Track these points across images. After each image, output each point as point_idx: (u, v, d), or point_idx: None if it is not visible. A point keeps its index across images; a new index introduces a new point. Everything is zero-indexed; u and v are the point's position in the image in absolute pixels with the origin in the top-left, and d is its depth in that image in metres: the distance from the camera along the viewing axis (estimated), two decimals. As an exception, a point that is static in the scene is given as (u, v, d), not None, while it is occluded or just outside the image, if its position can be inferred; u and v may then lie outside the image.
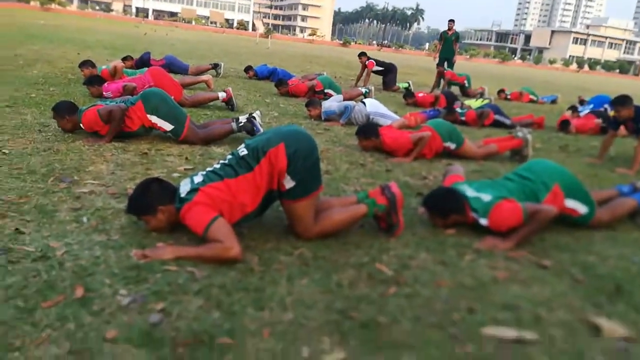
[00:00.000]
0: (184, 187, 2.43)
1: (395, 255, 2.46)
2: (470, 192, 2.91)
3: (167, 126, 4.21)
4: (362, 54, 11.23)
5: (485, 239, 2.71)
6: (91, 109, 4.10)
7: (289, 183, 2.43)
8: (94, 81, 6.02)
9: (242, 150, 2.48)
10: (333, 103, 6.37)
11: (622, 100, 4.97)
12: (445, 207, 2.84)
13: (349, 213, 2.63)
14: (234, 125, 4.49)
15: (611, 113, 5.65)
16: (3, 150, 3.57)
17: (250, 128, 4.48)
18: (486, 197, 2.84)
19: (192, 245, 2.32)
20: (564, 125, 7.30)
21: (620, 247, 2.83)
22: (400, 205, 2.72)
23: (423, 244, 2.64)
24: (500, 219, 2.71)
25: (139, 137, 4.29)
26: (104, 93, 5.85)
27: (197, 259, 2.19)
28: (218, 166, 2.50)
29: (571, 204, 2.95)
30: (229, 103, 6.19)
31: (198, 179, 2.45)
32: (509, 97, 11.63)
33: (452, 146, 4.67)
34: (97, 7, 79.22)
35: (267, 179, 2.42)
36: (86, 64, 7.12)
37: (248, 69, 10.42)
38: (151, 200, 2.39)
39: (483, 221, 2.77)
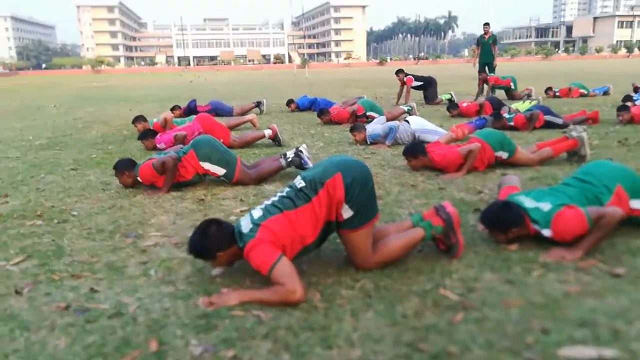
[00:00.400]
0: (245, 223, 2.48)
1: (459, 278, 2.42)
2: (528, 203, 2.82)
3: (220, 171, 4.36)
4: (399, 71, 11.24)
5: (552, 251, 2.62)
6: (146, 162, 4.31)
7: (347, 213, 2.45)
8: (147, 135, 6.33)
9: (300, 183, 2.53)
10: (377, 125, 6.39)
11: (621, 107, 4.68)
12: (504, 222, 2.76)
13: (406, 239, 2.62)
14: (282, 161, 4.59)
15: None
16: (72, 213, 3.81)
17: (298, 162, 4.56)
18: (546, 206, 2.74)
19: (256, 288, 2.37)
20: (623, 109, 6.98)
21: (700, 244, 2.66)
22: (457, 224, 2.68)
23: (487, 263, 2.58)
24: (564, 228, 2.61)
25: (195, 184, 4.46)
26: (157, 145, 6.14)
27: (262, 303, 2.24)
28: (276, 199, 2.55)
29: (638, 204, 2.81)
30: (275, 139, 6.34)
31: (257, 213, 2.50)
32: (557, 94, 11.26)
33: (505, 155, 4.56)
34: (142, 62, 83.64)
35: (325, 210, 2.46)
36: (138, 119, 7.51)
37: (289, 102, 10.64)
38: (210, 245, 2.44)
39: (546, 232, 2.68)
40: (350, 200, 2.44)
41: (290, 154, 4.62)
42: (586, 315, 2.02)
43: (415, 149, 4.66)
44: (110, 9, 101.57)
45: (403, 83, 11.03)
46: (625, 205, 2.77)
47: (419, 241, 2.66)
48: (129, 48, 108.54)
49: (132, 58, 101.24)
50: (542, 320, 1.99)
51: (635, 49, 73.97)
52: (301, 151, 4.61)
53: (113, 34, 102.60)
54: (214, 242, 2.43)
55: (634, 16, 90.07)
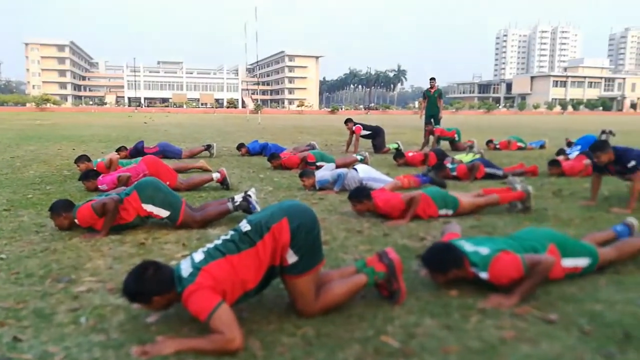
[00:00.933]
0: (185, 267, 2.40)
1: (400, 325, 2.42)
2: (468, 247, 2.91)
3: (164, 213, 4.25)
4: (348, 121, 11.53)
5: (490, 298, 2.68)
6: (85, 204, 4.15)
7: (291, 258, 2.43)
8: (89, 176, 6.12)
9: (245, 226, 2.49)
10: (326, 172, 6.47)
11: (600, 146, 5.06)
12: (445, 263, 2.81)
13: (349, 285, 2.62)
14: (229, 205, 4.54)
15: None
16: (1, 256, 3.58)
17: (246, 207, 4.52)
18: (484, 250, 2.83)
19: (193, 336, 2.28)
20: (554, 163, 7.42)
21: (626, 291, 2.80)
22: (399, 270, 2.71)
23: (427, 309, 2.60)
24: (500, 272, 2.69)
25: (136, 227, 4.31)
26: (99, 186, 5.93)
27: (199, 352, 2.15)
28: (219, 242, 2.49)
29: (570, 262, 2.96)
30: (223, 183, 6.28)
31: (199, 257, 2.43)
32: (497, 146, 11.83)
33: (450, 212, 4.71)
34: (91, 102, 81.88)
35: (270, 254, 2.42)
36: (81, 158, 7.27)
37: (240, 146, 10.64)
38: (146, 289, 2.33)
39: (483, 275, 2.75)
40: (295, 245, 2.42)
41: (238, 197, 4.58)
42: (521, 361, 2.06)
43: (360, 194, 4.72)
44: (61, 47, 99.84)
45: (352, 132, 11.30)
46: (557, 264, 2.88)
47: (362, 287, 2.66)
48: (77, 87, 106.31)
49: (80, 97, 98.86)
50: (479, 367, 2.02)
51: (569, 107, 79.52)
52: (249, 195, 4.58)
53: (62, 73, 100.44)
54: (150, 285, 2.33)
55: (567, 77, 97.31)
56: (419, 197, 4.56)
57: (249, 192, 4.63)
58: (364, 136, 11.39)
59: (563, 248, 2.96)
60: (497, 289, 2.72)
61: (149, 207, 4.21)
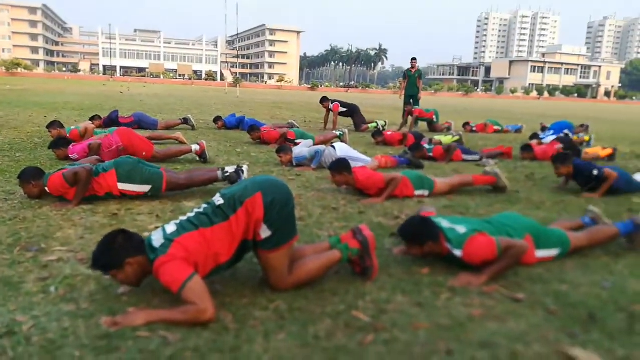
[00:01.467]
0: (157, 237, 2.37)
1: (372, 300, 2.46)
2: (445, 224, 2.95)
3: (145, 188, 4.22)
4: (323, 99, 11.45)
5: (459, 276, 2.73)
6: (57, 172, 4.05)
7: (265, 232, 2.42)
8: (59, 144, 5.95)
9: (218, 200, 2.47)
10: (303, 149, 6.44)
11: (562, 158, 5.18)
12: (421, 234, 2.85)
13: (323, 260, 2.63)
14: (219, 173, 4.53)
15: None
16: (-34, 223, 3.48)
17: (235, 179, 4.50)
18: (461, 229, 2.88)
19: (164, 308, 2.27)
20: (526, 148, 7.56)
21: (591, 273, 2.89)
22: (373, 247, 2.74)
23: (399, 286, 2.64)
24: (474, 252, 2.74)
25: (109, 198, 4.24)
26: (69, 155, 5.79)
27: (170, 323, 2.15)
28: (192, 215, 2.47)
29: (543, 253, 3.03)
30: (202, 156, 6.20)
31: (171, 228, 2.41)
32: (474, 129, 11.95)
33: (426, 193, 4.75)
34: (64, 69, 79.42)
35: (243, 229, 2.41)
36: (54, 124, 7.06)
37: (217, 119, 10.51)
38: (118, 253, 2.30)
39: (457, 252, 2.80)
40: (269, 220, 2.42)
41: (229, 168, 4.55)
42: (488, 337, 2.12)
43: (341, 165, 4.70)
44: (32, 10, 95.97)
45: (328, 110, 11.24)
46: (531, 253, 2.96)
47: (336, 263, 2.68)
48: (50, 53, 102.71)
49: (53, 63, 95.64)
50: (448, 342, 2.07)
51: (545, 93, 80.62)
52: (242, 170, 4.56)
53: (33, 37, 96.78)
54: (121, 249, 2.31)
55: (545, 62, 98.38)
56: (399, 180, 4.59)
57: (243, 168, 4.60)
58: (341, 114, 11.35)
59: (538, 239, 3.03)
60: (467, 267, 2.77)
61: (126, 186, 4.16)
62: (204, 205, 2.52)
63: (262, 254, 2.50)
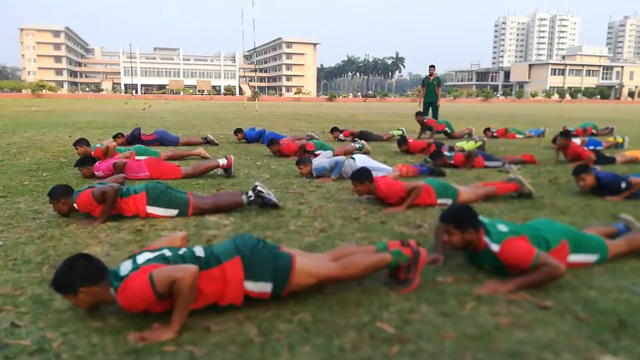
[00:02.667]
0: (125, 267, 2.38)
1: (396, 311, 2.44)
2: (486, 220, 2.96)
3: (172, 212, 4.29)
4: (333, 130, 11.29)
5: (485, 284, 2.70)
6: (86, 190, 4.15)
7: (265, 288, 2.43)
8: (85, 162, 6.08)
9: (199, 251, 2.49)
10: (323, 160, 6.46)
11: (584, 169, 5.13)
12: (467, 220, 2.85)
13: (374, 259, 2.65)
14: (244, 198, 4.53)
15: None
16: (-3, 242, 3.58)
17: (261, 202, 4.53)
18: (503, 228, 2.89)
19: (186, 323, 2.30)
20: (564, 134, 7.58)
21: (620, 278, 2.82)
22: (422, 263, 2.74)
23: (423, 296, 2.62)
24: (511, 252, 2.72)
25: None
26: (95, 173, 5.92)
27: (184, 312, 2.23)
28: (170, 254, 2.46)
29: (579, 258, 2.98)
30: (227, 170, 6.27)
31: (142, 259, 2.40)
32: (495, 134, 11.81)
33: (449, 202, 4.70)
34: (87, 89, 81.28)
35: (214, 289, 2.37)
36: (81, 142, 7.21)
37: (237, 131, 10.62)
38: (73, 279, 2.29)
39: (494, 247, 2.78)
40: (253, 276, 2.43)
41: (251, 193, 4.55)
42: (516, 346, 2.08)
43: (363, 174, 4.69)
44: (56, 33, 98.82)
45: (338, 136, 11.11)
46: (564, 257, 2.92)
47: (385, 265, 2.69)
48: (73, 73, 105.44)
49: (76, 84, 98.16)
50: (475, 352, 2.04)
51: (567, 95, 79.37)
52: (261, 191, 4.55)
53: (57, 59, 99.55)
54: (78, 276, 2.30)
55: (565, 64, 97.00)
56: (420, 189, 4.56)
57: (258, 187, 4.57)
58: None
59: (576, 244, 2.99)
60: (495, 273, 2.74)
61: (154, 210, 4.24)
62: (184, 249, 2.52)
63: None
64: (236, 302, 2.40)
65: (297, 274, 2.46)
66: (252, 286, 2.42)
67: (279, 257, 2.49)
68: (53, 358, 2.03)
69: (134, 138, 9.27)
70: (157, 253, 2.45)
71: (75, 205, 4.14)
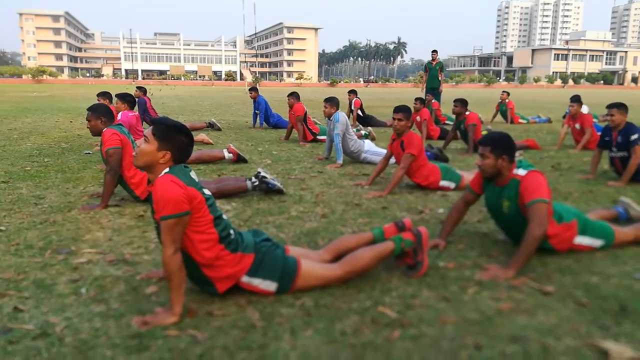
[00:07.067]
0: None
1: (398, 296, 2.44)
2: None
3: None
4: (351, 92, 11.41)
5: (487, 269, 2.70)
6: (114, 131, 4.11)
7: (270, 286, 2.43)
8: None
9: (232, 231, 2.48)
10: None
11: (620, 105, 5.05)
12: (506, 145, 2.91)
13: (377, 251, 2.63)
14: (248, 184, 4.52)
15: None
16: (0, 228, 3.58)
17: (265, 188, 4.52)
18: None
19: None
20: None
21: (621, 264, 2.82)
22: (426, 243, 2.73)
23: (425, 281, 2.62)
24: (533, 180, 2.82)
25: (135, 200, 4.31)
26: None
27: (180, 292, 2.23)
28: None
29: (586, 240, 2.99)
30: (239, 159, 6.25)
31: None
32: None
33: (452, 185, 4.72)
34: (88, 74, 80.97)
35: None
36: (105, 95, 7.23)
37: (252, 89, 10.70)
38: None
39: (522, 172, 2.87)
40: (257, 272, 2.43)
41: (255, 179, 4.54)
42: (517, 331, 2.09)
43: (405, 108, 4.74)
44: (56, 18, 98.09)
45: (350, 104, 11.22)
46: (571, 238, 2.95)
47: (389, 254, 2.67)
48: (73, 59, 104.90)
49: (76, 69, 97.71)
50: (476, 337, 2.04)
51: (570, 80, 78.88)
52: (265, 177, 4.54)
53: (57, 44, 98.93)
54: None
55: (569, 49, 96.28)
56: (401, 174, 4.61)
57: (261, 173, 4.57)
58: (359, 118, 11.26)
59: (584, 226, 3.00)
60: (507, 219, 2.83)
61: None
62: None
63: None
64: (220, 290, 2.41)
65: (302, 277, 2.47)
66: (258, 282, 2.44)
67: (286, 261, 2.50)
68: (56, 342, 2.04)
69: (140, 106, 9.22)
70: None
71: (104, 131, 4.13)
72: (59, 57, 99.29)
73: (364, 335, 2.08)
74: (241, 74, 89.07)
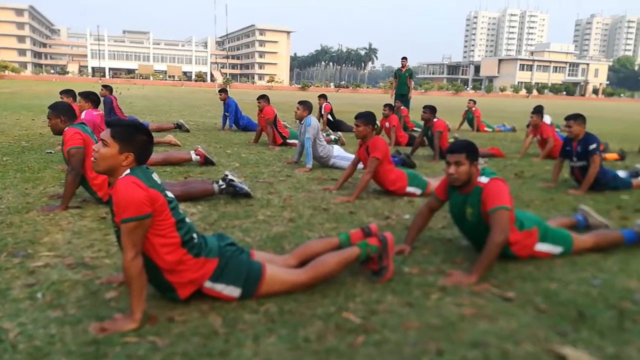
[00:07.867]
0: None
1: (362, 302, 2.45)
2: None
3: None
4: (321, 97, 11.43)
5: (450, 275, 2.74)
6: (76, 130, 3.97)
7: (235, 292, 2.39)
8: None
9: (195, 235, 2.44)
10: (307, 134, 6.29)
11: (577, 116, 5.18)
12: (476, 151, 2.98)
13: (343, 256, 2.62)
14: (215, 187, 4.45)
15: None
16: (-48, 229, 3.43)
17: (233, 191, 4.46)
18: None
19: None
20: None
21: (580, 271, 2.90)
22: (391, 248, 2.74)
23: (389, 287, 2.63)
24: (494, 188, 2.87)
25: (97, 202, 4.19)
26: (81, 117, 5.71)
27: (140, 298, 2.17)
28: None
29: (545, 247, 3.07)
30: (207, 162, 6.16)
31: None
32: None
33: (418, 192, 4.78)
34: (52, 71, 78.71)
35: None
36: (68, 93, 6.94)
37: (222, 91, 10.63)
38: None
39: (484, 179, 2.93)
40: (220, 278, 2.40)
41: (222, 183, 4.48)
42: (479, 337, 2.12)
43: (370, 116, 4.79)
44: (19, 12, 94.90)
45: (320, 108, 11.21)
46: (531, 245, 3.02)
47: (355, 260, 2.67)
48: (37, 55, 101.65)
49: (41, 65, 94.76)
50: (438, 342, 2.06)
51: (534, 90, 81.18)
52: (232, 180, 4.48)
53: (20, 39, 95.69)
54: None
55: (534, 60, 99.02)
56: (367, 180, 4.63)
57: (229, 176, 4.50)
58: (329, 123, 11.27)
59: (544, 233, 3.07)
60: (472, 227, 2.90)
61: None
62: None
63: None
64: (182, 296, 2.36)
65: (266, 283, 2.44)
66: (221, 288, 2.40)
67: (250, 266, 2.46)
68: (9, 349, 1.97)
69: (110, 111, 8.99)
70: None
71: (65, 130, 4.00)
72: (22, 52, 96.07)
73: (327, 341, 2.07)
74: (212, 75, 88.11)
